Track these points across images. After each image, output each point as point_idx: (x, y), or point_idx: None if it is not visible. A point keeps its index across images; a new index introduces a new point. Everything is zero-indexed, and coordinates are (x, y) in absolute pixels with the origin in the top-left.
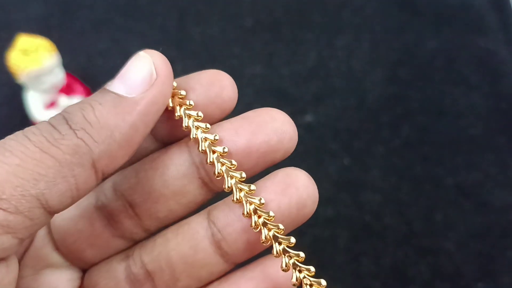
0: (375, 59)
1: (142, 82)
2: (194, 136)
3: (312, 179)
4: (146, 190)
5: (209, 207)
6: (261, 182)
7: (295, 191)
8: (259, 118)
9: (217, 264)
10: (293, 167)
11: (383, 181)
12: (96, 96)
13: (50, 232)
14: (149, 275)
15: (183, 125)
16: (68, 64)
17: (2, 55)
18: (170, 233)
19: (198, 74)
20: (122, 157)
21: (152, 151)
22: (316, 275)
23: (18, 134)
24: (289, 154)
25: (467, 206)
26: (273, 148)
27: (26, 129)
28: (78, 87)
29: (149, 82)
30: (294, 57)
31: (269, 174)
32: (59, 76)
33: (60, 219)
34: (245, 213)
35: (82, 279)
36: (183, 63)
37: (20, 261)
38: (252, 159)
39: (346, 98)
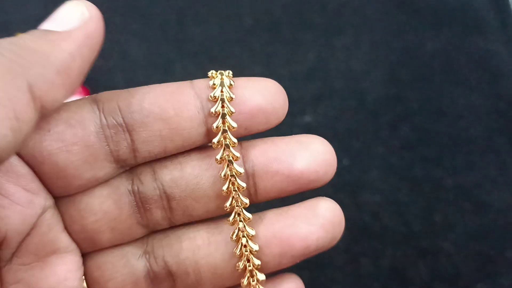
0: (374, 60)
1: (72, 19)
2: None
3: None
4: (191, 187)
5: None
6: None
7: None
8: (312, 145)
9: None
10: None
11: (383, 181)
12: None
13: (58, 212)
14: (170, 275)
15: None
16: None
17: None
18: (200, 239)
19: (246, 80)
20: (62, 87)
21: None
22: (315, 275)
23: None
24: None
25: (467, 207)
26: (319, 178)
27: None
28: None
29: (80, 19)
30: (293, 57)
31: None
32: None
33: (82, 194)
34: (233, 237)
35: (84, 265)
36: (182, 64)
37: (18, 248)
38: (298, 183)
39: (345, 99)
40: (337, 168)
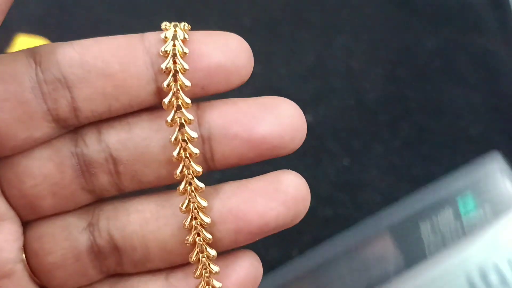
0: (374, 59)
1: None
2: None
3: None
4: (140, 150)
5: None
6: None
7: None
8: (278, 107)
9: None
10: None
11: (382, 181)
12: None
13: None
14: (116, 250)
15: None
16: None
17: None
18: (148, 212)
19: (205, 34)
20: None
21: (151, 107)
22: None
23: None
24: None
25: None
26: (284, 144)
27: None
28: None
29: None
30: (292, 56)
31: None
32: None
33: (21, 156)
34: (183, 209)
35: (24, 235)
36: None
37: None
38: (260, 149)
39: (345, 98)
40: (337, 167)
